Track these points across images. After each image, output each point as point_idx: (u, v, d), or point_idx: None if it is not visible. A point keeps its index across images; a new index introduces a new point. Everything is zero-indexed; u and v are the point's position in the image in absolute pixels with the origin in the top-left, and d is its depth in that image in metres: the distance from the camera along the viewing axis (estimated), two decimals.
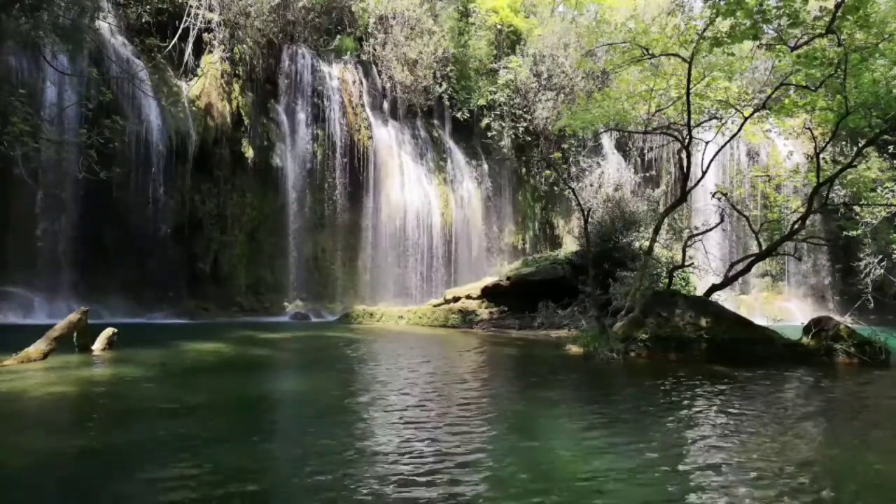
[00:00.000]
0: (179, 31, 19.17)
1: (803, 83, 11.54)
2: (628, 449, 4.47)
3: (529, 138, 26.33)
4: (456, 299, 18.27)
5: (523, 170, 27.12)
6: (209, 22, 19.81)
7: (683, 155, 13.21)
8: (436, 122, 25.96)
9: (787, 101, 12.60)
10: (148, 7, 18.76)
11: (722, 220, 14.02)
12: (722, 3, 10.51)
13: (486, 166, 26.29)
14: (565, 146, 26.05)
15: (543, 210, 27.49)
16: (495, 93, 25.59)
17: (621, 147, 28.21)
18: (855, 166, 13.65)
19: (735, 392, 7.01)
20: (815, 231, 21.20)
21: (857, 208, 17.48)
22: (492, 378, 8.21)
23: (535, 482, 3.72)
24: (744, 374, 8.26)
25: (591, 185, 22.28)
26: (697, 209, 24.09)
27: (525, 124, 25.84)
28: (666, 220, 15.29)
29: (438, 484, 3.59)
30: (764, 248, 13.18)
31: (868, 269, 20.00)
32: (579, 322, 14.93)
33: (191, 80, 19.59)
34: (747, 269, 13.66)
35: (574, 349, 10.65)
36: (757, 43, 11.96)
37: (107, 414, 5.45)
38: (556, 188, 25.78)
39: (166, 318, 17.12)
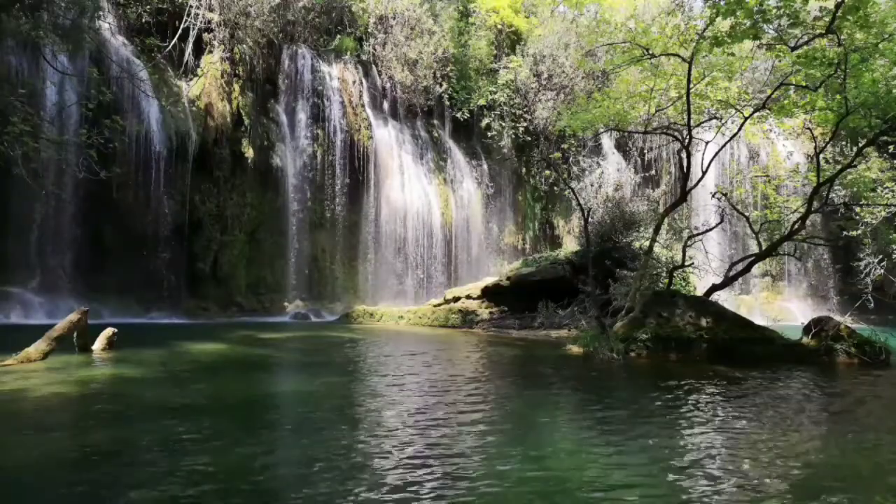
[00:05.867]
0: (179, 31, 19.18)
1: (803, 83, 11.52)
2: (629, 450, 4.47)
3: (529, 138, 26.34)
4: (456, 299, 18.26)
5: (523, 170, 27.13)
6: (209, 22, 19.81)
7: (683, 155, 13.21)
8: (436, 122, 25.96)
9: (786, 101, 12.57)
10: (148, 7, 18.76)
11: (722, 220, 14.01)
12: (722, 3, 10.51)
13: (486, 166, 26.29)
14: (565, 146, 26.01)
15: (543, 210, 27.50)
16: (495, 93, 25.60)
17: (621, 147, 28.22)
18: (855, 166, 13.63)
19: (735, 392, 7.01)
20: (815, 231, 21.19)
21: (857, 208, 17.45)
22: (492, 379, 8.20)
23: (535, 484, 3.72)
24: (744, 374, 8.25)
25: (591, 185, 22.23)
26: (697, 209, 24.08)
27: (525, 124, 25.85)
28: (666, 220, 15.28)
29: (439, 487, 3.59)
30: (764, 248, 13.18)
31: (868, 269, 19.97)
32: (579, 322, 14.91)
33: (191, 80, 19.60)
34: (747, 269, 13.64)
35: (574, 349, 10.65)
36: (757, 43, 11.95)
37: (107, 414, 5.45)
38: (556, 188, 25.78)
39: (166, 318, 17.15)
